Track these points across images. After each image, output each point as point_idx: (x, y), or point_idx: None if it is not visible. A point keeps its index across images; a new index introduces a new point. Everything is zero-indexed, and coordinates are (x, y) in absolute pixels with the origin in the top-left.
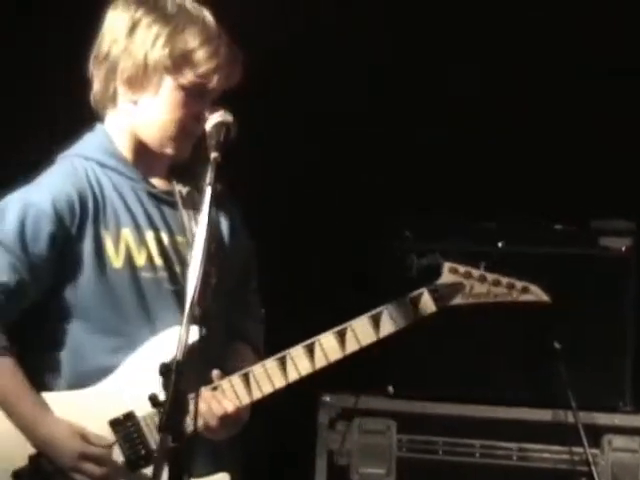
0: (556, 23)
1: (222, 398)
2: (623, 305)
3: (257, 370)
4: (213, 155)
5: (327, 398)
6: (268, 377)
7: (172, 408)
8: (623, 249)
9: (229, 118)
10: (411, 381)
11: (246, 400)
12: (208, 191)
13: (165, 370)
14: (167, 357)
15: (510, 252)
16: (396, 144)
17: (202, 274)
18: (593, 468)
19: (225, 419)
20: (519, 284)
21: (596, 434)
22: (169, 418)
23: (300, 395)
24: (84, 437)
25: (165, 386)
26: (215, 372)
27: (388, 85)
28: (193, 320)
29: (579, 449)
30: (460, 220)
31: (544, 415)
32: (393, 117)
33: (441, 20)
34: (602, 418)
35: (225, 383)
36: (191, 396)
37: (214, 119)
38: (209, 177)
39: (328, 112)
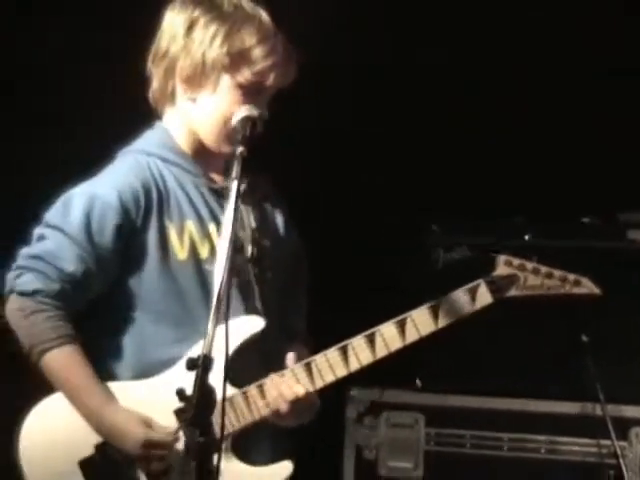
0: (555, 23)
1: (294, 382)
2: None
3: (319, 360)
4: (239, 149)
5: (355, 392)
6: (330, 367)
7: (200, 403)
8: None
9: (255, 112)
10: (439, 374)
11: (310, 389)
12: (234, 185)
13: (191, 365)
14: (230, 347)
15: (537, 245)
16: (421, 145)
17: (230, 267)
18: (621, 460)
19: (296, 404)
20: (571, 277)
21: (624, 427)
22: (197, 413)
23: (328, 389)
24: (149, 425)
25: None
26: (290, 355)
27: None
28: (255, 312)
29: (607, 442)
30: (488, 215)
31: (572, 408)
32: (417, 118)
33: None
34: (630, 411)
35: (288, 372)
36: (245, 389)
37: (240, 113)
38: (235, 171)
39: (337, 113)
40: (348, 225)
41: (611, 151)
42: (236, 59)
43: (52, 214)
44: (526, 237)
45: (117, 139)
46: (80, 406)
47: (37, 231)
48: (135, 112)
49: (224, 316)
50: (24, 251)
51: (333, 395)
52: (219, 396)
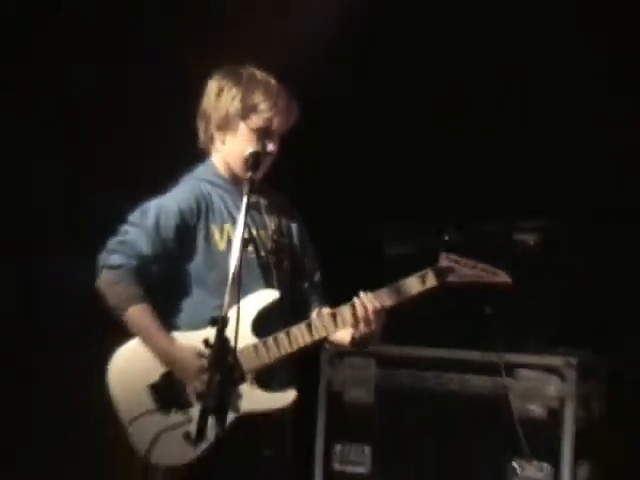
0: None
1: (373, 299)
2: (533, 281)
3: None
4: (248, 174)
5: (327, 345)
6: (333, 323)
7: (220, 350)
8: (531, 243)
9: (258, 149)
10: (386, 330)
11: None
12: (244, 199)
13: (213, 321)
14: (251, 311)
15: (454, 244)
16: (375, 161)
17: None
18: (509, 392)
19: (379, 315)
20: (492, 269)
21: (511, 368)
22: (218, 357)
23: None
24: (202, 356)
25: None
26: (325, 310)
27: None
28: (272, 287)
29: (500, 378)
30: (426, 219)
31: (477, 356)
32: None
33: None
34: (515, 357)
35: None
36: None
37: (249, 149)
38: (245, 189)
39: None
40: (321, 226)
41: (509, 172)
42: (248, 111)
43: (134, 216)
44: (445, 237)
45: (182, 169)
46: (152, 346)
47: (123, 228)
48: (194, 152)
49: (238, 289)
50: (113, 240)
51: (311, 348)
52: (239, 343)
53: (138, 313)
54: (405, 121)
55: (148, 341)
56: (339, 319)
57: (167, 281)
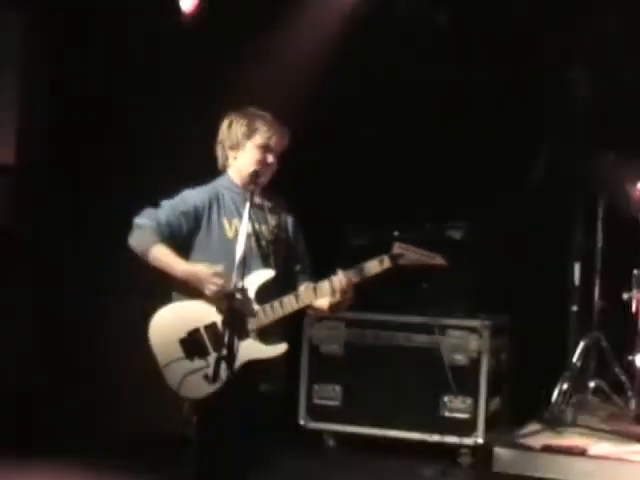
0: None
1: (344, 277)
2: (460, 267)
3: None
4: (250, 187)
5: (309, 311)
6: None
7: (231, 312)
8: (458, 237)
9: (258, 167)
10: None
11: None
12: (247, 205)
13: (226, 294)
14: (254, 285)
15: (401, 238)
16: (339, 166)
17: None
18: (441, 347)
19: (348, 288)
20: (432, 254)
21: (443, 329)
22: (229, 319)
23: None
24: (214, 269)
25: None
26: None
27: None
28: (268, 267)
29: (435, 337)
30: (378, 224)
31: (417, 319)
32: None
33: None
34: (445, 320)
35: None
36: (270, 304)
37: (251, 168)
38: (248, 197)
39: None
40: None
41: (441, 186)
42: (253, 132)
43: (164, 202)
44: (396, 233)
45: (206, 179)
46: (178, 271)
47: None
48: (215, 168)
49: (243, 270)
50: (144, 211)
51: (298, 313)
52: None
53: (158, 250)
54: (369, 143)
55: (174, 268)
56: (319, 291)
57: (189, 250)
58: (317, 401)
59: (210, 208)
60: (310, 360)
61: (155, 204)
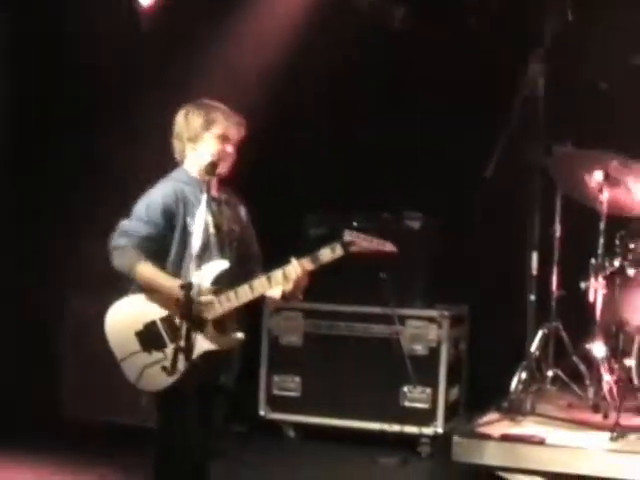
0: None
1: (297, 265)
2: (419, 257)
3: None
4: (207, 178)
5: (267, 302)
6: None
7: (187, 303)
8: (416, 228)
9: (216, 158)
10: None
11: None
12: (204, 197)
13: (181, 286)
14: (209, 276)
15: (360, 228)
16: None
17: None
18: (400, 337)
19: (302, 276)
20: (383, 241)
21: (403, 319)
22: (186, 310)
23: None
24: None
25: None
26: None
27: None
28: (224, 258)
29: (395, 327)
30: (338, 214)
31: (376, 310)
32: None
33: None
34: (405, 311)
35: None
36: (222, 296)
37: (210, 157)
38: (204, 188)
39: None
40: (268, 218)
41: (401, 181)
42: (210, 123)
43: (135, 208)
44: (354, 223)
45: (164, 172)
46: (159, 287)
47: (125, 220)
48: (172, 160)
49: (200, 262)
50: (118, 229)
51: (254, 302)
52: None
53: (143, 268)
54: (329, 134)
55: (155, 284)
56: (273, 280)
57: (158, 250)
58: (277, 392)
59: (177, 205)
60: (269, 351)
61: (122, 204)
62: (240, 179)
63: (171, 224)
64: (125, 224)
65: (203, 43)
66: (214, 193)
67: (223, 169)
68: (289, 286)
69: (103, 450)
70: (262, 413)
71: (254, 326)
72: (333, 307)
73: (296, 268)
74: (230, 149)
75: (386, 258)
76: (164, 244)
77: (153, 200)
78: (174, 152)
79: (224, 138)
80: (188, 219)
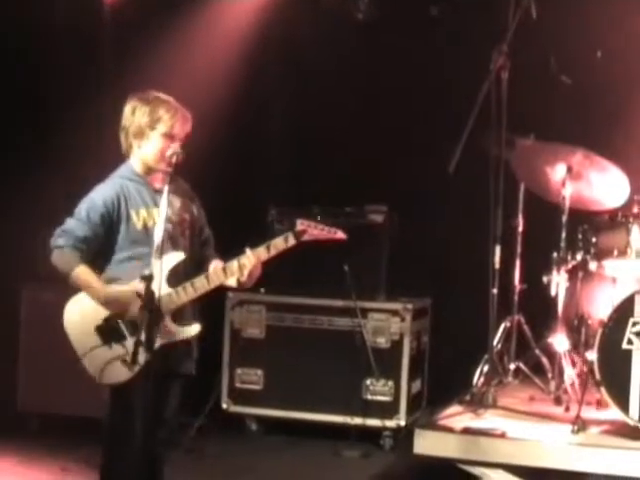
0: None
1: (252, 255)
2: (381, 250)
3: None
4: (167, 169)
5: (230, 294)
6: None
7: (148, 296)
8: (380, 220)
9: (178, 150)
10: (273, 284)
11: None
12: (166, 188)
13: (142, 278)
14: (165, 269)
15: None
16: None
17: (170, 230)
18: (363, 330)
19: (257, 265)
20: (334, 229)
21: (364, 312)
22: (147, 300)
23: (216, 293)
24: (138, 296)
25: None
26: (215, 262)
27: None
28: (179, 250)
29: (357, 320)
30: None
31: (339, 303)
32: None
33: None
34: (367, 304)
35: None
36: (180, 288)
37: (170, 150)
38: (166, 180)
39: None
40: (231, 211)
41: (366, 176)
42: (155, 122)
43: (78, 207)
44: (318, 218)
45: (109, 170)
46: (94, 293)
47: (66, 220)
48: (119, 156)
49: (161, 255)
50: (58, 229)
51: (216, 296)
52: (159, 291)
53: (80, 272)
54: (294, 127)
55: (90, 290)
56: (228, 271)
57: (104, 253)
58: (239, 385)
59: (119, 204)
60: (232, 344)
61: (69, 197)
62: (204, 173)
63: (111, 227)
64: (67, 222)
65: (162, 36)
66: (158, 186)
67: (168, 166)
68: (244, 276)
69: (64, 442)
70: (224, 406)
71: (216, 319)
72: (296, 300)
73: (250, 258)
74: (175, 146)
75: (337, 245)
76: (108, 242)
77: (95, 202)
78: (121, 146)
79: (169, 136)
80: (132, 215)
